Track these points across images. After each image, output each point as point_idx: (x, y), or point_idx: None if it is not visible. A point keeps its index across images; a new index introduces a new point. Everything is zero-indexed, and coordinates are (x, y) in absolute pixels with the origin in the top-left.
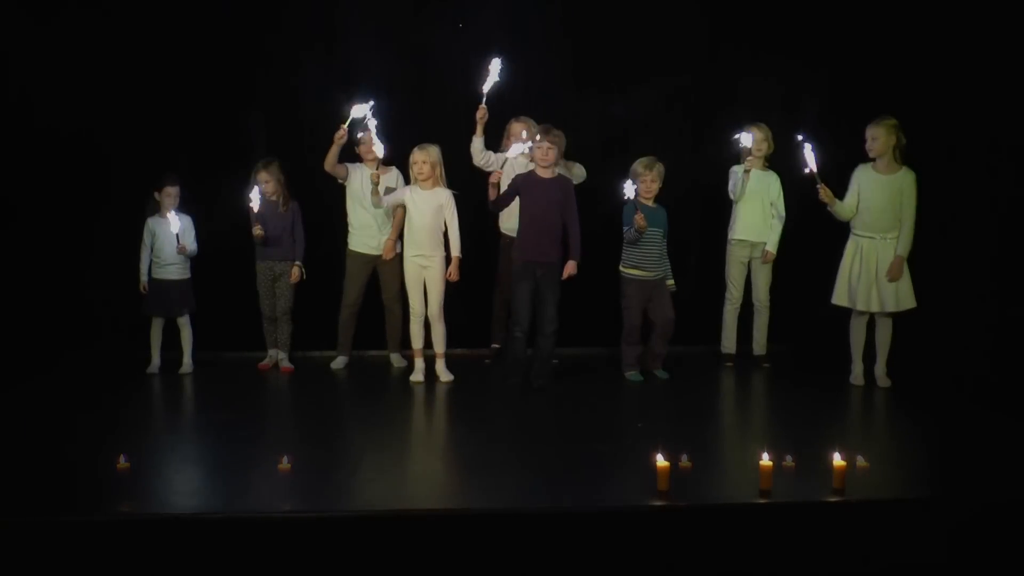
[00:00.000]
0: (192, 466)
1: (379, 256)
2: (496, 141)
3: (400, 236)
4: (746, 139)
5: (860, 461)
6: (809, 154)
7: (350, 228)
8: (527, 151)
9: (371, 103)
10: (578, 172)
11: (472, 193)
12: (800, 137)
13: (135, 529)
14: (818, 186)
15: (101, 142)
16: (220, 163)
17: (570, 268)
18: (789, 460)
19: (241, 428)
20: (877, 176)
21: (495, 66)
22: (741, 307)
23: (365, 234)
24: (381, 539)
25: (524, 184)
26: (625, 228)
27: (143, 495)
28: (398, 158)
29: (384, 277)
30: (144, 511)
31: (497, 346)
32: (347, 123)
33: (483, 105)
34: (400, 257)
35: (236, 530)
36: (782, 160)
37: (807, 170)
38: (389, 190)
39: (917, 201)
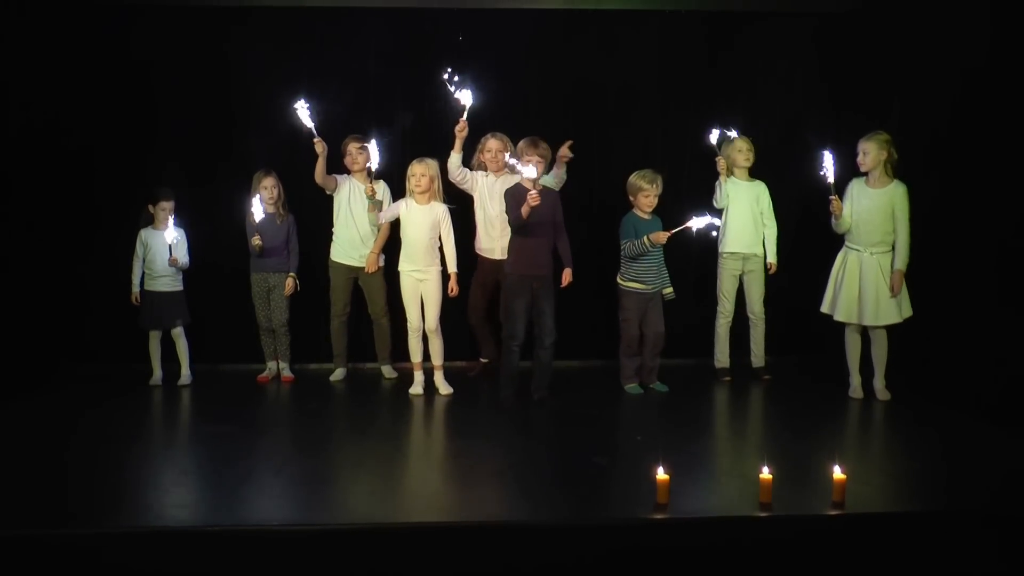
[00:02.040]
0: (190, 478)
1: (361, 268)
2: (470, 156)
3: (384, 250)
4: (828, 167)
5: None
6: (830, 165)
7: (334, 238)
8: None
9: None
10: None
11: (468, 207)
12: (828, 151)
13: (134, 542)
14: (831, 198)
15: (98, 153)
16: (215, 175)
17: (568, 276)
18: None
19: (240, 440)
20: (868, 190)
21: (467, 93)
22: (736, 321)
23: (348, 245)
24: (380, 552)
25: (515, 198)
26: (624, 242)
27: (142, 508)
28: (397, 172)
29: (368, 291)
30: (143, 524)
31: (486, 360)
32: (316, 133)
33: (464, 120)
34: (383, 271)
35: (234, 543)
36: (772, 171)
37: (823, 172)
38: (377, 203)
39: (910, 214)
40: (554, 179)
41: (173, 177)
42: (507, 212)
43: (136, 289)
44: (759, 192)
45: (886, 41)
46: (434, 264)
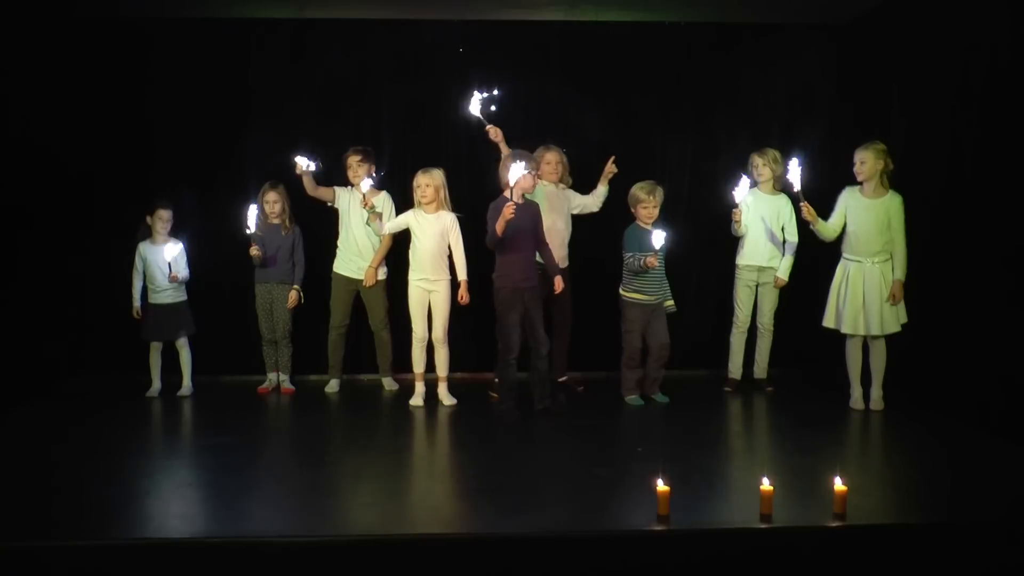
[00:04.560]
0: (190, 490)
1: (361, 281)
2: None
3: (385, 262)
4: (794, 174)
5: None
6: (796, 173)
7: (338, 250)
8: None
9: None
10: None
11: (478, 216)
12: (796, 159)
13: (135, 554)
14: (801, 204)
15: (98, 165)
16: (216, 187)
17: (560, 283)
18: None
19: (239, 452)
20: (864, 200)
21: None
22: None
23: (348, 257)
24: (381, 564)
25: (499, 212)
26: (627, 255)
27: (143, 519)
28: (401, 182)
29: (368, 303)
30: (143, 535)
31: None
32: (304, 165)
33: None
34: (383, 283)
35: (235, 554)
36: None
37: (794, 188)
38: (376, 214)
39: (905, 225)
40: (600, 196)
41: (174, 189)
42: (487, 226)
43: (137, 303)
44: (780, 206)
45: (890, 51)
46: (443, 275)
